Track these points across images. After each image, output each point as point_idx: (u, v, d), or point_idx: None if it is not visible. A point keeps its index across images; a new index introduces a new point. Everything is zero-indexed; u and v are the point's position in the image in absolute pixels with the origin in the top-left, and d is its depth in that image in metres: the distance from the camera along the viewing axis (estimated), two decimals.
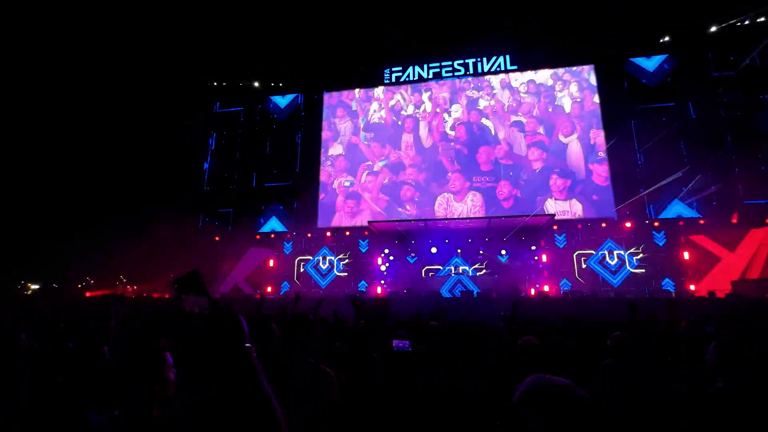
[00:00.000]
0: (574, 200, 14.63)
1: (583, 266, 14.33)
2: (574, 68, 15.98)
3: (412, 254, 15.29)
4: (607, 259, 14.21)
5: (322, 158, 17.40)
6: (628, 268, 13.97)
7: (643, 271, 13.84)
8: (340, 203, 16.63)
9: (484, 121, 16.15)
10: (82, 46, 15.09)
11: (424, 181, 15.99)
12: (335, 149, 17.38)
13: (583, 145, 15.09)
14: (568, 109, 15.59)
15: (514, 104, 16.08)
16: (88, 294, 16.06)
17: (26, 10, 13.33)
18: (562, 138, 15.26)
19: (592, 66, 15.84)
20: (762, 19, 13.67)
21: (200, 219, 17.80)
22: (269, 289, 15.90)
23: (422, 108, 16.92)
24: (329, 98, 18.11)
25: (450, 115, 16.53)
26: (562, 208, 14.54)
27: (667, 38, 14.87)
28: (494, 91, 16.43)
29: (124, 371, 1.37)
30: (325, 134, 17.70)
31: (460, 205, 15.39)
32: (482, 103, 16.37)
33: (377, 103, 17.46)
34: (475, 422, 1.77)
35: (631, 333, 2.83)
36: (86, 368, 1.94)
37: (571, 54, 15.88)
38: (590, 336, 3.53)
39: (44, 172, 16.02)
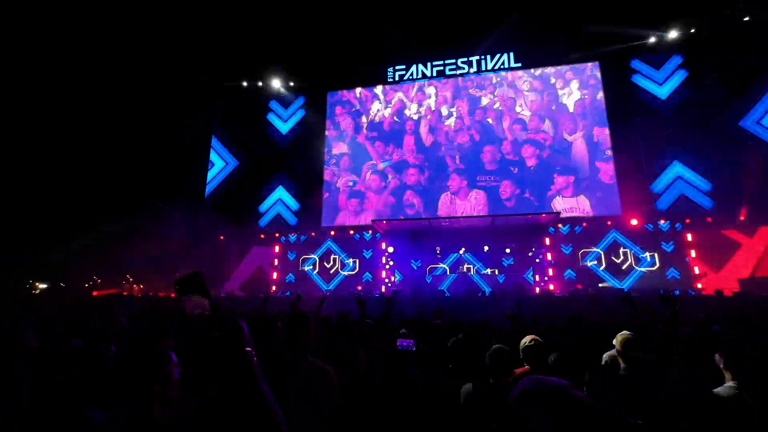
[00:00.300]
0: (581, 196, 14.53)
1: (589, 264, 14.25)
2: (579, 66, 15.86)
3: (416, 253, 15.28)
4: (613, 257, 14.12)
5: (326, 157, 17.42)
6: (634, 265, 13.87)
7: (650, 268, 13.74)
8: (343, 202, 16.65)
9: (487, 119, 16.08)
10: (86, 45, 15.20)
11: (427, 179, 15.96)
12: (339, 148, 17.39)
13: (588, 143, 14.99)
14: (571, 107, 15.49)
15: (518, 102, 15.99)
16: (94, 293, 16.23)
17: (26, 10, 13.42)
18: (566, 136, 15.15)
19: (596, 63, 15.72)
20: None
21: (205, 217, 17.87)
22: (273, 288, 15.97)
23: (425, 107, 16.89)
24: (333, 97, 18.13)
25: (453, 114, 16.49)
26: (569, 204, 14.45)
27: (674, 34, 14.67)
28: (497, 90, 16.35)
29: (124, 371, 1.38)
30: (329, 133, 17.72)
31: (463, 203, 15.35)
32: (485, 102, 16.30)
33: (380, 102, 17.45)
34: (475, 422, 1.76)
35: (634, 332, 2.80)
36: (86, 368, 1.94)
37: (576, 51, 15.75)
38: (591, 336, 3.52)
39: (52, 172, 16.17)
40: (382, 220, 14.97)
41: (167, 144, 17.73)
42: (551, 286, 13.52)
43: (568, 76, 15.85)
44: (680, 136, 14.29)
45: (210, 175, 18.59)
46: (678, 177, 14.34)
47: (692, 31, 14.46)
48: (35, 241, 15.60)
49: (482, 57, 16.82)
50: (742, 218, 13.33)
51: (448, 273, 14.79)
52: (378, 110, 17.38)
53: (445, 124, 16.43)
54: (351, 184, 16.76)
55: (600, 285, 13.28)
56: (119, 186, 16.98)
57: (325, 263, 16.43)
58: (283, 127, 18.68)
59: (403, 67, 17.53)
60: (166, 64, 16.33)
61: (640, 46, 15.37)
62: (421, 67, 17.36)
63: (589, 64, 15.77)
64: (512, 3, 15.49)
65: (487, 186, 15.32)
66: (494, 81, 16.52)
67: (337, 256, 16.39)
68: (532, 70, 16.23)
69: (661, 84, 15.25)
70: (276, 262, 16.63)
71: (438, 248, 15.08)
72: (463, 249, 14.90)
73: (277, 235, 17.00)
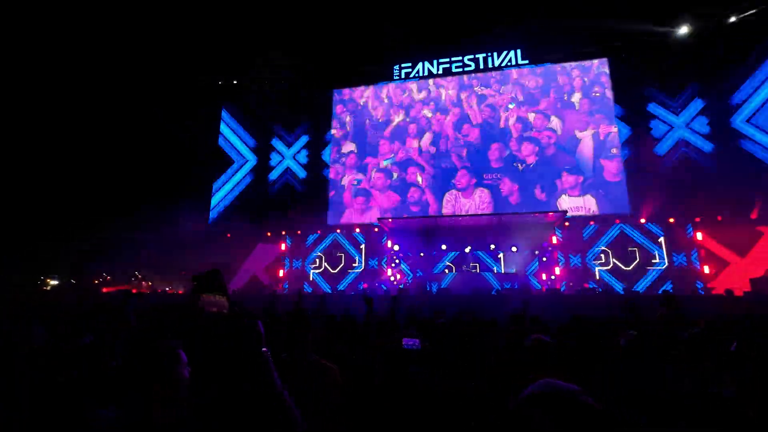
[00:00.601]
0: (588, 196, 14.40)
1: (596, 262, 14.13)
2: (586, 63, 15.68)
3: (422, 251, 15.25)
4: (621, 255, 13.97)
5: (332, 156, 17.44)
6: (643, 265, 13.72)
7: (659, 268, 13.58)
8: (349, 200, 16.67)
9: (493, 117, 15.98)
10: (95, 45, 15.36)
11: (432, 177, 15.92)
12: (344, 147, 17.40)
13: (595, 141, 14.84)
14: (578, 104, 15.33)
15: (523, 99, 15.86)
16: (104, 290, 16.45)
17: (26, 9, 13.54)
18: (578, 133, 14.99)
19: (605, 60, 15.52)
20: None
21: (211, 216, 18.00)
22: (280, 285, 16.06)
23: (430, 105, 16.82)
24: (338, 96, 18.13)
25: (459, 112, 16.40)
26: (575, 203, 14.33)
27: (684, 30, 14.42)
28: (503, 87, 16.22)
29: (126, 370, 1.39)
30: (334, 132, 17.73)
31: (468, 201, 15.29)
32: (490, 99, 16.19)
33: (386, 100, 17.41)
34: (475, 422, 1.76)
35: (640, 332, 2.78)
36: (87, 368, 1.96)
37: (585, 47, 15.57)
38: (592, 335, 3.49)
39: (63, 171, 16.39)
40: (387, 218, 14.96)
41: (176, 143, 17.87)
42: (558, 285, 13.42)
43: (575, 74, 15.68)
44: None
45: (218, 172, 18.73)
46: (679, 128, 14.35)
47: (701, 26, 14.20)
48: (46, 237, 15.84)
49: (489, 54, 16.69)
50: (754, 216, 13.11)
51: (454, 271, 14.76)
52: (383, 108, 17.34)
53: (451, 122, 16.35)
54: (356, 182, 16.77)
55: (592, 287, 13.06)
56: (129, 184, 17.16)
57: (331, 261, 16.47)
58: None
59: (409, 64, 17.46)
60: (176, 65, 16.46)
61: (651, 42, 15.12)
62: (427, 64, 17.28)
63: (596, 61, 15.58)
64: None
65: (493, 184, 15.24)
66: (500, 78, 16.39)
67: (342, 254, 16.42)
68: (538, 69, 16.07)
69: (670, 80, 15.01)
70: (282, 259, 16.71)
71: (444, 246, 15.04)
72: (470, 247, 14.84)
73: (283, 233, 17.08)
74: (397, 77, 17.52)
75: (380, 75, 17.67)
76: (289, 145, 18.82)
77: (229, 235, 17.47)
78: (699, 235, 13.36)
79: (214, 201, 18.17)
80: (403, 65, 17.51)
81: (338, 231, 16.55)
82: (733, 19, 13.86)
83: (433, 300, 10.33)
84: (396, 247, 15.27)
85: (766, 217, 12.93)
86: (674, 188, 13.88)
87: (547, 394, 1.02)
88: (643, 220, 13.92)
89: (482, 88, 16.47)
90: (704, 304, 9.14)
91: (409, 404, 1.65)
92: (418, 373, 1.79)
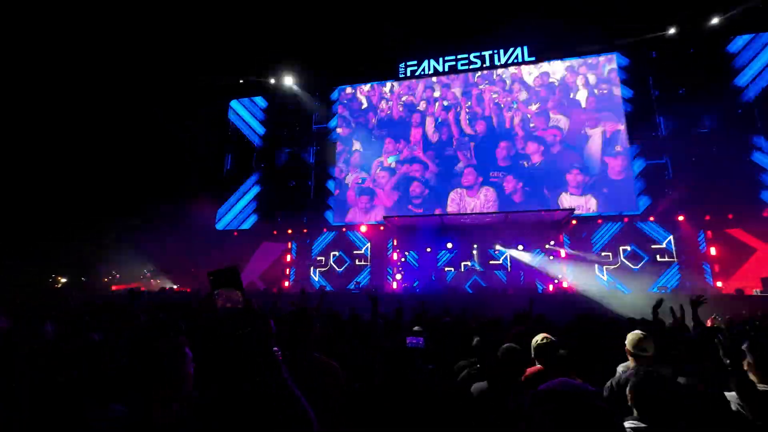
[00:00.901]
0: (589, 195, 14.26)
1: (604, 261, 13.98)
2: (594, 60, 15.50)
3: (428, 249, 15.22)
4: (630, 254, 13.82)
5: (336, 154, 17.45)
6: (651, 263, 13.56)
7: (667, 267, 13.41)
8: (353, 199, 16.68)
9: (498, 115, 15.87)
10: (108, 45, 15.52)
11: (437, 176, 15.87)
12: (348, 145, 17.40)
13: (603, 138, 14.67)
14: (585, 101, 15.16)
15: (529, 97, 15.73)
16: (114, 288, 16.66)
17: (26, 9, 13.67)
18: (588, 130, 14.81)
19: (613, 56, 15.33)
20: None
21: (218, 214, 18.13)
22: (286, 284, 16.14)
23: (436, 103, 16.75)
24: (343, 94, 18.12)
25: (464, 110, 16.31)
26: (577, 203, 14.19)
27: (694, 24, 14.18)
28: (508, 85, 16.10)
29: (125, 370, 1.40)
30: (339, 130, 17.73)
31: (473, 200, 15.22)
32: (496, 97, 16.08)
33: (390, 99, 17.37)
34: (476, 422, 1.75)
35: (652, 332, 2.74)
36: (86, 368, 1.96)
37: (592, 43, 15.38)
38: (593, 335, 3.46)
39: (75, 170, 16.61)
40: (393, 216, 14.94)
41: (184, 142, 18.02)
42: (565, 284, 13.32)
43: (582, 71, 15.51)
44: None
45: (225, 171, 18.85)
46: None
47: (713, 22, 13.95)
48: (57, 236, 16.06)
49: (495, 51, 16.55)
50: (766, 214, 12.88)
51: (460, 269, 14.72)
52: (388, 107, 17.31)
53: (456, 120, 16.27)
54: (360, 180, 16.77)
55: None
56: (138, 182, 17.34)
57: (336, 260, 16.51)
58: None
59: (415, 62, 17.38)
60: (188, 66, 16.60)
61: (660, 37, 14.90)
62: (432, 62, 17.19)
63: (602, 57, 15.39)
64: None
65: (499, 182, 15.15)
66: (505, 76, 16.27)
67: (347, 253, 16.44)
68: (544, 66, 15.91)
69: (681, 75, 14.76)
70: (289, 258, 16.79)
71: (450, 244, 14.99)
72: (476, 246, 14.77)
73: (289, 231, 17.14)
74: (402, 75, 17.46)
75: (385, 73, 17.61)
76: (292, 143, 18.83)
77: (236, 233, 17.58)
78: (709, 233, 13.16)
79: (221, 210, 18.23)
80: (408, 63, 17.44)
81: (343, 230, 16.57)
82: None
83: (440, 298, 10.31)
84: (402, 246, 15.26)
85: None
86: (685, 186, 13.68)
87: (562, 393, 1.01)
88: (652, 219, 13.74)
89: (487, 85, 16.36)
90: (714, 304, 9.01)
91: (409, 404, 1.65)
92: (419, 373, 1.78)
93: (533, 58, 16.06)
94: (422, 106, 16.87)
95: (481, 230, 14.76)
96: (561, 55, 15.79)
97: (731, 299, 9.78)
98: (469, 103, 16.33)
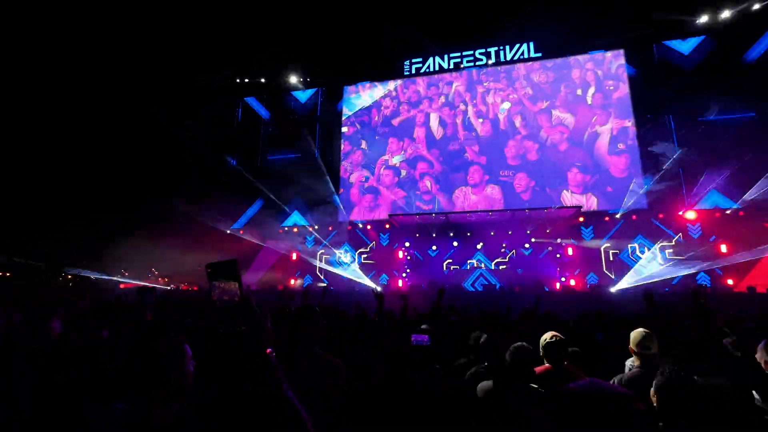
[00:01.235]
0: (590, 194, 14.11)
1: (611, 259, 13.85)
2: (600, 55, 15.30)
3: (433, 248, 15.18)
4: (638, 252, 13.67)
5: (342, 153, 17.44)
6: (659, 261, 13.39)
7: (676, 264, 13.24)
8: (357, 198, 16.67)
9: (503, 112, 15.73)
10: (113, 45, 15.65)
11: (441, 174, 15.79)
12: (353, 144, 17.38)
13: (610, 136, 14.49)
14: (591, 98, 14.97)
15: (535, 94, 15.57)
16: (122, 285, 16.84)
17: (26, 9, 13.77)
18: (598, 128, 14.63)
19: (620, 52, 15.11)
20: None
21: (223, 212, 18.22)
22: (293, 282, 16.21)
23: (440, 101, 16.66)
24: (348, 92, 18.10)
25: (469, 108, 16.20)
26: (578, 201, 14.03)
27: (704, 19, 13.91)
28: (514, 83, 15.94)
29: (125, 369, 1.39)
30: (344, 129, 17.72)
31: (478, 198, 15.13)
32: (501, 95, 15.94)
33: (395, 97, 17.31)
34: (476, 422, 1.72)
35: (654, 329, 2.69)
36: (86, 368, 1.97)
37: (599, 39, 15.18)
38: (590, 334, 3.42)
39: (85, 168, 16.80)
40: (398, 215, 14.92)
41: (188, 142, 18.13)
42: (572, 282, 13.23)
43: (589, 66, 15.32)
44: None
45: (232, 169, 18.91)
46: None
47: (724, 15, 13.68)
48: (66, 233, 16.27)
49: (501, 48, 16.40)
50: None
51: (465, 268, 14.67)
52: (392, 105, 17.26)
53: (460, 118, 16.18)
54: (364, 179, 16.76)
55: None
56: (149, 181, 17.49)
57: (343, 258, 16.53)
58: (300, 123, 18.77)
59: (420, 60, 17.29)
60: (189, 63, 16.68)
61: (667, 32, 14.66)
62: (437, 59, 17.08)
63: (609, 54, 15.18)
64: None
65: (503, 180, 15.03)
66: (511, 73, 16.12)
67: (353, 251, 16.45)
68: (550, 63, 15.73)
69: (690, 71, 14.53)
70: (295, 256, 16.84)
71: (455, 243, 14.94)
72: (481, 244, 14.70)
73: (295, 230, 17.19)
74: (407, 73, 17.39)
75: (390, 71, 17.55)
76: (297, 142, 18.82)
77: (242, 231, 17.67)
78: (720, 230, 12.96)
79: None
80: (413, 60, 17.36)
81: (348, 228, 16.59)
82: (756, 6, 13.30)
83: (445, 298, 10.26)
84: (407, 244, 15.24)
85: None
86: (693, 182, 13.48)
87: (596, 395, 0.97)
88: (661, 216, 13.56)
89: (493, 82, 16.23)
90: (726, 301, 8.88)
91: (409, 404, 1.63)
92: (422, 372, 1.76)
93: (539, 54, 15.90)
94: (427, 104, 16.78)
95: (487, 228, 14.68)
96: (567, 52, 15.61)
97: (742, 297, 9.63)
98: (475, 100, 16.22)
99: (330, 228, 16.90)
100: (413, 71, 17.32)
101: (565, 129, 14.91)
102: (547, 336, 2.69)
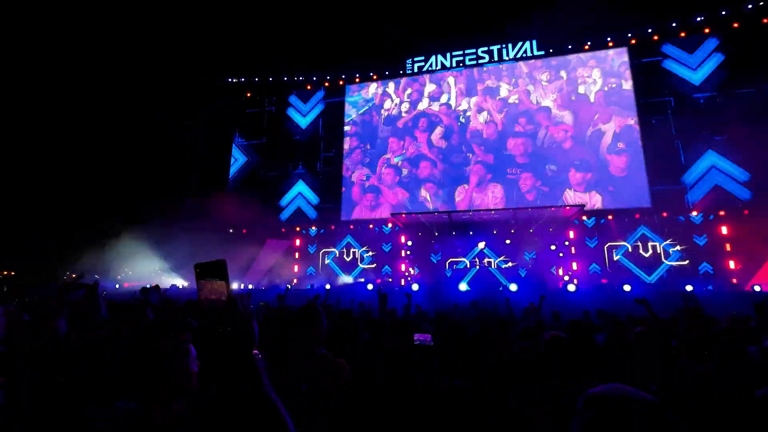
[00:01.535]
0: (594, 192, 14.04)
1: (615, 258, 13.79)
2: (602, 54, 15.21)
3: (436, 247, 15.16)
4: (641, 251, 13.60)
5: (344, 151, 17.43)
6: (663, 260, 13.32)
7: (680, 263, 13.17)
8: (359, 197, 16.68)
9: (505, 111, 15.67)
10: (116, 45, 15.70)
11: (443, 173, 15.76)
12: (354, 142, 17.37)
13: (613, 134, 14.42)
14: (594, 96, 14.89)
15: (537, 92, 15.49)
16: (126, 285, 16.91)
17: (26, 9, 13.83)
18: (602, 126, 14.56)
19: (622, 50, 15.02)
20: None
21: (226, 210, 18.27)
22: (295, 280, 16.23)
23: (442, 99, 16.62)
24: (351, 91, 18.09)
25: (471, 107, 16.15)
26: (581, 200, 13.97)
27: (709, 15, 13.80)
28: (516, 81, 15.87)
29: (125, 369, 1.40)
30: (347, 128, 17.71)
31: (480, 197, 15.10)
32: (503, 93, 15.88)
33: (396, 96, 17.29)
34: (476, 422, 1.72)
35: (652, 329, 2.68)
36: (86, 368, 1.98)
37: (602, 37, 15.10)
38: (588, 333, 3.41)
39: (90, 169, 16.90)
40: (400, 213, 14.91)
41: (190, 142, 18.19)
42: (575, 281, 13.16)
43: (591, 64, 15.24)
44: (715, 124, 13.52)
45: (232, 170, 18.97)
46: (712, 167, 13.59)
47: (727, 12, 13.57)
48: (71, 232, 16.37)
49: (503, 45, 16.34)
50: None
51: (468, 267, 14.63)
52: (395, 104, 17.23)
53: (462, 116, 16.13)
54: (365, 177, 16.76)
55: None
56: (152, 180, 17.57)
57: (345, 257, 16.54)
58: (303, 122, 18.76)
59: (422, 58, 17.25)
60: (192, 63, 16.73)
61: (672, 30, 14.56)
62: (440, 57, 17.04)
63: (611, 51, 15.09)
64: None
65: (506, 179, 14.98)
66: (513, 71, 16.05)
67: (356, 250, 16.46)
68: (553, 60, 15.65)
69: (695, 69, 14.43)
70: (296, 255, 16.87)
71: (457, 242, 14.90)
72: (483, 243, 14.67)
73: (297, 228, 17.21)
74: (409, 71, 17.35)
75: (392, 69, 17.53)
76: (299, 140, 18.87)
77: (244, 231, 17.69)
78: (724, 229, 12.86)
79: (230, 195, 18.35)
80: (415, 59, 17.32)
81: (350, 227, 16.59)
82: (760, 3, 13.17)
83: (446, 296, 10.27)
84: (409, 243, 15.22)
85: None
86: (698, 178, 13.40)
87: (622, 399, 0.94)
88: (665, 214, 13.48)
89: (494, 81, 16.17)
90: (729, 301, 8.82)
91: (409, 404, 1.62)
92: (423, 372, 1.76)
93: (542, 53, 15.83)
94: (428, 103, 16.75)
95: (489, 227, 14.64)
96: (570, 50, 15.53)
97: (748, 296, 9.56)
98: (477, 98, 16.16)
99: (332, 227, 16.90)
100: (415, 70, 17.29)
101: (568, 127, 14.85)
102: (549, 335, 2.68)
